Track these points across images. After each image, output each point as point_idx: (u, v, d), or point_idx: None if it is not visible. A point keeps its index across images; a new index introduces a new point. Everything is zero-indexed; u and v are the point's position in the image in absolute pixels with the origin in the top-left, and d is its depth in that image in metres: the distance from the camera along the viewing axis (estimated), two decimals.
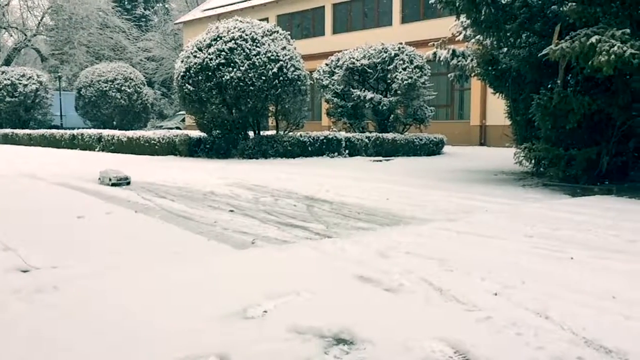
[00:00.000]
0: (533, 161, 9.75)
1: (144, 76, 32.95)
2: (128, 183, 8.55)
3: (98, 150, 18.27)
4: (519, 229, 5.33)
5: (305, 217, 6.07)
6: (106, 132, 18.63)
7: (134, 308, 3.06)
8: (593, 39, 7.20)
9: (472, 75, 12.27)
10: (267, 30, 14.58)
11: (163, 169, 11.61)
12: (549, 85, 8.91)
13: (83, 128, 24.40)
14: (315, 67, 19.52)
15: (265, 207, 6.69)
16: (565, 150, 8.65)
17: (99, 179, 8.76)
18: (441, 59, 12.90)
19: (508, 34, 9.51)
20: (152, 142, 16.02)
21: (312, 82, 17.48)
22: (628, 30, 7.22)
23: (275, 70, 13.89)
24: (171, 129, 26.93)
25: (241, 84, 13.61)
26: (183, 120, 33.19)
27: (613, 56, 6.96)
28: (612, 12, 7.84)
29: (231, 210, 6.40)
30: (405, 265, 3.91)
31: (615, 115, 8.36)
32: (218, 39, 14.06)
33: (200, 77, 13.86)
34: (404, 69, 17.21)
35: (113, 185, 8.40)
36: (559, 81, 8.68)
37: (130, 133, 17.56)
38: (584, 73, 8.09)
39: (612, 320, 2.88)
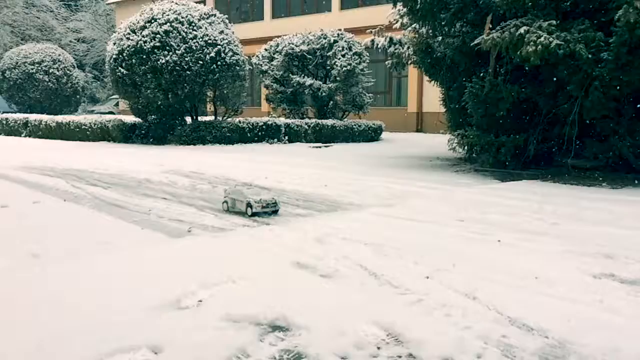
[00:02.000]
0: (466, 147, 10.06)
1: (74, 58, 31.46)
2: (276, 211, 5.47)
3: (24, 136, 17.38)
4: (452, 213, 5.50)
5: None
6: (33, 117, 17.71)
7: (60, 300, 2.95)
8: (522, 30, 7.48)
9: (409, 63, 12.48)
10: (204, 14, 14.25)
11: (95, 155, 11.19)
12: (481, 74, 9.20)
13: (8, 112, 23.10)
14: (254, 52, 19.28)
15: (203, 195, 6.59)
16: (496, 137, 8.98)
17: (225, 202, 5.64)
18: (379, 46, 13.04)
19: (442, 23, 9.73)
20: (83, 127, 15.40)
21: (251, 67, 17.27)
22: (554, 22, 7.54)
23: (212, 54, 13.63)
24: (104, 113, 25.92)
25: (177, 68, 13.27)
26: (117, 104, 32.03)
27: (540, 47, 7.26)
28: (540, 3, 8.15)
29: (167, 198, 6.26)
30: (341, 251, 3.97)
31: (541, 103, 8.74)
32: (152, 21, 13.62)
33: (134, 61, 13.40)
34: (343, 56, 17.28)
35: (254, 215, 5.31)
36: (490, 70, 8.98)
37: (60, 118, 16.79)
38: (513, 62, 8.41)
39: (535, 300, 3.04)
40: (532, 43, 7.27)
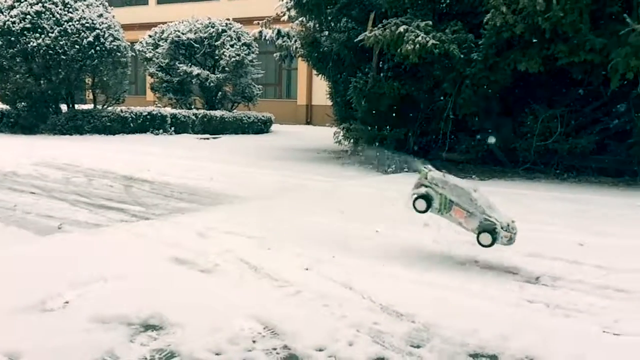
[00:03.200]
0: (351, 140, 10.36)
1: None
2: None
3: None
4: (335, 205, 5.64)
5: (122, 199, 5.76)
6: None
7: None
8: (401, 29, 7.82)
9: (297, 56, 12.58)
10: None
11: None
12: (365, 70, 9.49)
13: None
14: (138, 38, 18.42)
15: (77, 189, 6.20)
16: (379, 131, 9.34)
17: (424, 196, 3.68)
18: (267, 38, 13.03)
19: (329, 18, 9.92)
20: None
21: (134, 54, 16.48)
22: (430, 22, 7.96)
23: (91, 39, 12.82)
24: None
25: (51, 52, 12.33)
26: None
27: (418, 45, 7.63)
28: (418, 4, 8.57)
29: (35, 193, 5.82)
30: (223, 245, 3.92)
31: (420, 99, 9.22)
32: (22, 0, 12.52)
33: (0, 43, 12.25)
34: (232, 46, 17.03)
35: (491, 245, 3.48)
36: (373, 66, 9.29)
37: None
38: (394, 59, 8.75)
39: (407, 287, 3.20)
40: (410, 42, 7.62)
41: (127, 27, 15.59)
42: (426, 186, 3.64)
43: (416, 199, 3.68)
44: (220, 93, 17.95)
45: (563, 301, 3.02)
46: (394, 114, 9.45)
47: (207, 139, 14.03)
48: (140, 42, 17.92)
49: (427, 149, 9.94)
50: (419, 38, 7.63)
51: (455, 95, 8.48)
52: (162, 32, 17.72)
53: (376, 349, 2.42)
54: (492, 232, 3.40)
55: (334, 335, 2.50)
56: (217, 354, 2.32)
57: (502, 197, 6.36)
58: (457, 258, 3.79)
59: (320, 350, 2.39)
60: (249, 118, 16.90)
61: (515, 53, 7.65)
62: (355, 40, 8.90)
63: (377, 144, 9.40)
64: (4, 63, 12.40)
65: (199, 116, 15.44)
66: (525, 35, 7.31)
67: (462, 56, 7.84)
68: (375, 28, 8.39)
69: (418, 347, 2.46)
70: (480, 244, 3.45)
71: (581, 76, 7.69)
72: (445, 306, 2.90)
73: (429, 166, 3.75)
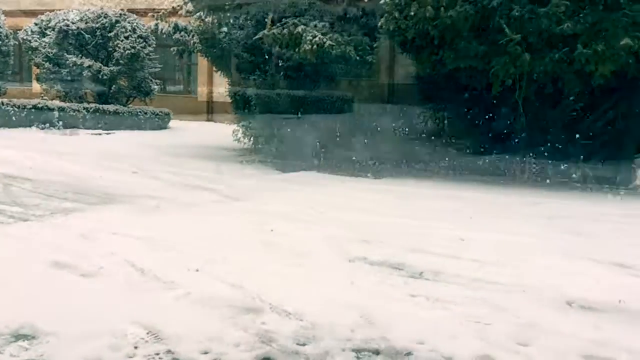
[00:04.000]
0: (251, 139, 10.30)
1: None
2: None
3: None
4: (229, 204, 5.59)
5: None
6: None
7: None
8: (299, 29, 7.91)
9: (196, 51, 12.29)
10: None
11: None
12: (265, 68, 9.47)
13: None
14: (22, 26, 17.09)
15: None
16: (279, 129, 9.36)
17: None
18: (163, 31, 12.59)
19: (228, 15, 9.78)
20: None
21: (18, 42, 15.29)
22: (328, 24, 8.12)
23: None
24: None
25: None
26: None
27: (315, 46, 7.77)
28: (317, 5, 8.70)
29: None
30: (109, 247, 3.76)
31: (320, 98, 9.36)
32: None
33: None
34: (127, 38, 16.24)
35: None
36: (272, 64, 9.30)
37: None
38: (293, 59, 8.82)
39: (295, 286, 3.23)
40: (308, 42, 7.73)
41: (9, 14, 14.47)
42: None
43: None
44: (114, 87, 17.07)
45: (442, 294, 3.19)
46: (293, 113, 9.52)
47: (100, 134, 13.32)
48: (25, 30, 16.62)
49: (327, 147, 10.12)
50: (317, 39, 7.75)
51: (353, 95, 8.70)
52: (50, 20, 16.53)
53: (263, 350, 2.43)
54: None
55: (220, 337, 2.48)
56: None
57: (393, 194, 6.65)
58: (347, 255, 3.89)
59: (206, 353, 2.36)
60: (145, 114, 16.23)
61: (407, 57, 7.99)
62: (254, 38, 8.86)
63: (276, 142, 9.42)
64: None
65: (91, 110, 14.61)
66: (416, 40, 7.65)
67: (358, 58, 8.06)
68: (274, 27, 8.40)
69: (304, 345, 2.50)
70: None
71: (467, 81, 8.17)
72: (332, 303, 2.97)
73: None
